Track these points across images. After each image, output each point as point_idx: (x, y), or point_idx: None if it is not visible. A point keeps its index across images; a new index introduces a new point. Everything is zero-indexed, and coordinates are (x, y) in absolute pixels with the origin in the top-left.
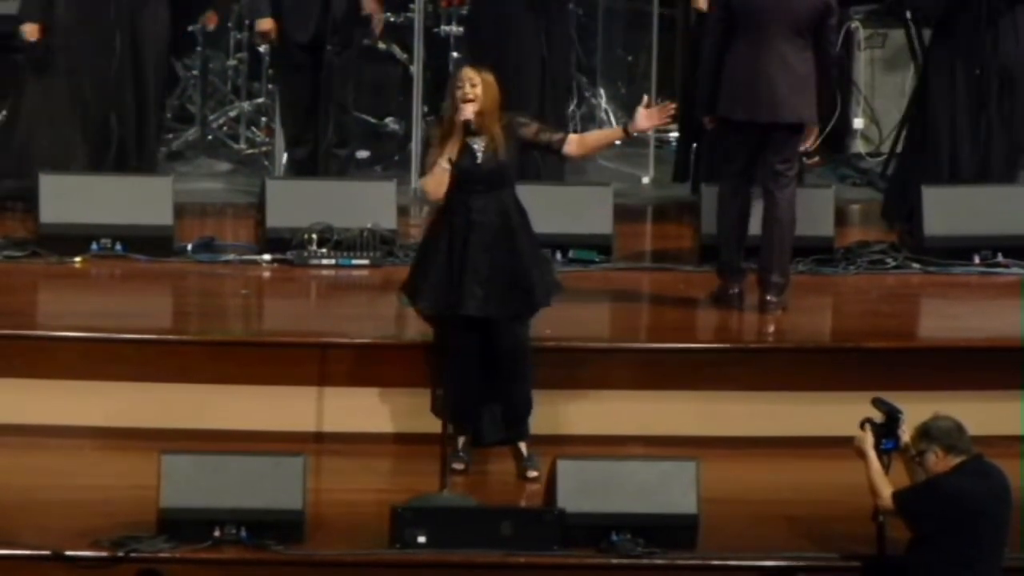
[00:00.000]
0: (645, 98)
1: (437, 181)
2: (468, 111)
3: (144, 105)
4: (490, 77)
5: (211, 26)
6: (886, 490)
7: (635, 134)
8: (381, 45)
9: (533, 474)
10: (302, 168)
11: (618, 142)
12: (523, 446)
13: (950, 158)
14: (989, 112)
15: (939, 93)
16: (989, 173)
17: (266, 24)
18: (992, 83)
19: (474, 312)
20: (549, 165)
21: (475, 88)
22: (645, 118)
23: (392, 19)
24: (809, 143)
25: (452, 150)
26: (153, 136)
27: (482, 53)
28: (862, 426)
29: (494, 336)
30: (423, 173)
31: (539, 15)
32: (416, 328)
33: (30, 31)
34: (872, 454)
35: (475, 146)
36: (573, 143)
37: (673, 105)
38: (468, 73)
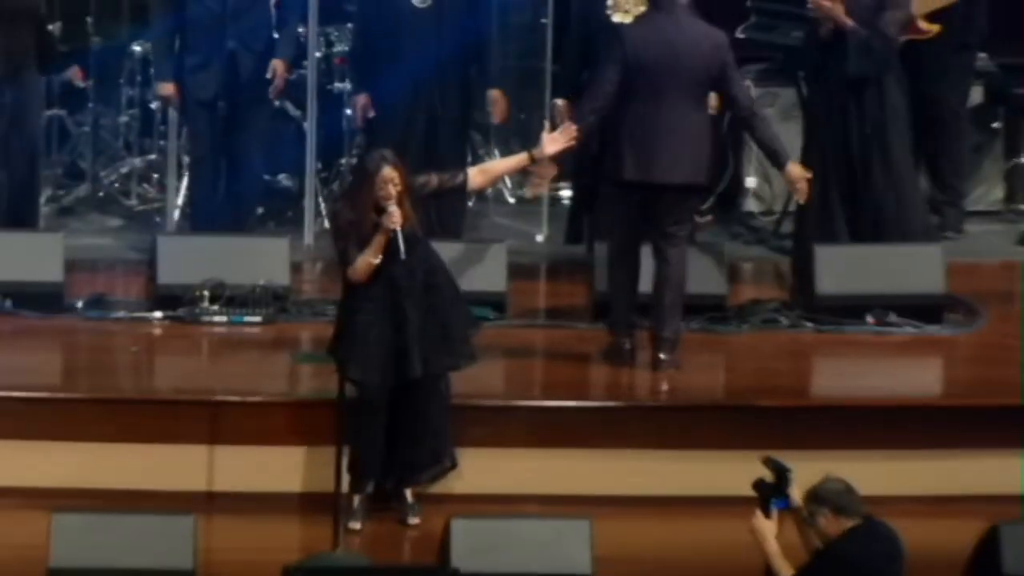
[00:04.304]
0: (547, 123)
1: (365, 273)
2: (397, 216)
3: (32, 161)
4: (397, 161)
5: (78, 80)
6: (786, 573)
7: (540, 159)
8: (275, 102)
9: (414, 521)
10: (199, 224)
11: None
12: (409, 493)
13: (845, 217)
14: (872, 171)
15: (816, 150)
16: (900, 229)
17: (167, 89)
18: (869, 141)
19: (419, 372)
20: (445, 221)
21: (397, 188)
22: (550, 142)
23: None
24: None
25: (375, 246)
26: (38, 192)
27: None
28: (754, 487)
29: (413, 391)
30: (344, 262)
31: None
32: (309, 385)
33: None
34: (771, 538)
35: (396, 234)
36: (475, 176)
37: (575, 127)
38: (389, 174)
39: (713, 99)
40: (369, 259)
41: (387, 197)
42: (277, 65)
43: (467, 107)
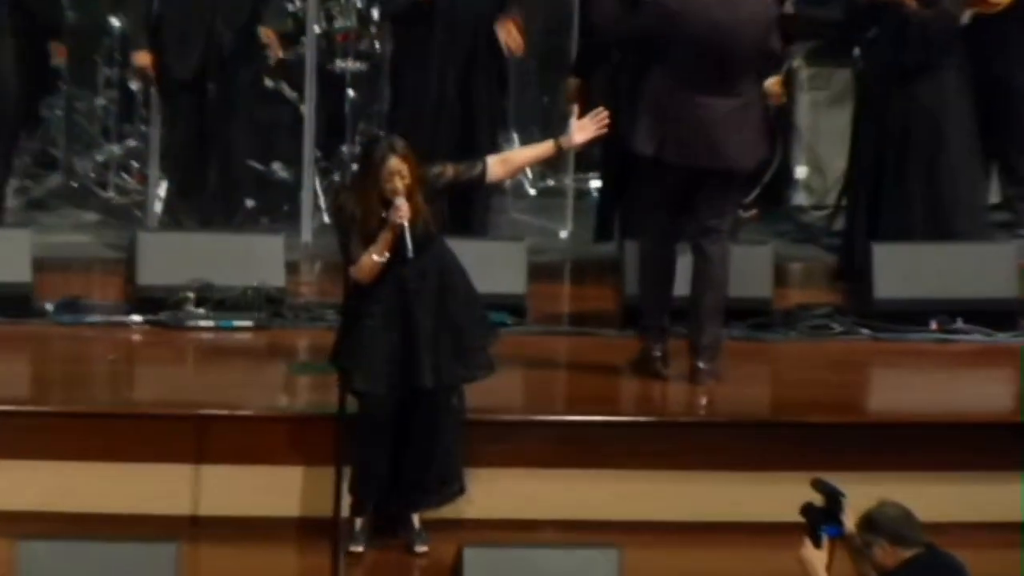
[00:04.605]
0: (575, 109)
1: (371, 273)
2: (404, 211)
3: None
4: (407, 151)
5: (60, 59)
6: None
7: (567, 148)
8: (269, 83)
9: (422, 548)
10: (181, 219)
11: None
12: (416, 518)
13: (903, 211)
14: (934, 163)
15: (868, 139)
16: (948, 229)
17: (143, 58)
18: (923, 131)
19: (432, 384)
20: (459, 216)
21: (404, 180)
22: (579, 130)
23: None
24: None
25: (382, 243)
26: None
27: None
28: (802, 512)
29: (423, 404)
30: (347, 260)
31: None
32: (306, 398)
33: None
34: (821, 569)
35: (404, 228)
36: (496, 167)
37: (606, 113)
38: (396, 165)
39: (773, 80)
40: (375, 257)
41: (394, 190)
42: (266, 32)
43: (496, 86)
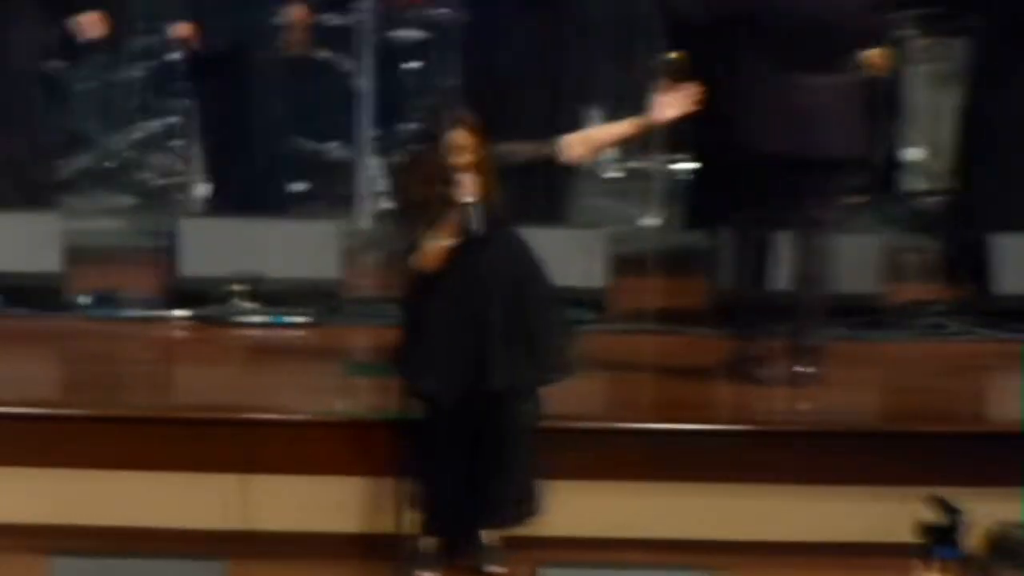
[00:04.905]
0: (664, 83)
1: (436, 259)
2: (470, 191)
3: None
4: (471, 122)
5: (93, 27)
6: None
7: (654, 126)
8: (323, 55)
9: (494, 570)
10: (225, 204)
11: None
12: (487, 536)
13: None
14: None
15: (985, 116)
16: None
17: (183, 29)
18: None
19: (505, 384)
20: (532, 202)
21: (469, 155)
22: (668, 106)
23: (333, 22)
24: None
25: (447, 226)
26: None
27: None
28: (916, 532)
29: (495, 410)
30: (408, 247)
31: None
32: (365, 402)
33: None
34: None
35: (469, 208)
36: (573, 146)
37: (699, 87)
38: (460, 139)
39: (878, 55)
40: (439, 242)
41: (459, 166)
42: (294, 10)
43: (577, 56)
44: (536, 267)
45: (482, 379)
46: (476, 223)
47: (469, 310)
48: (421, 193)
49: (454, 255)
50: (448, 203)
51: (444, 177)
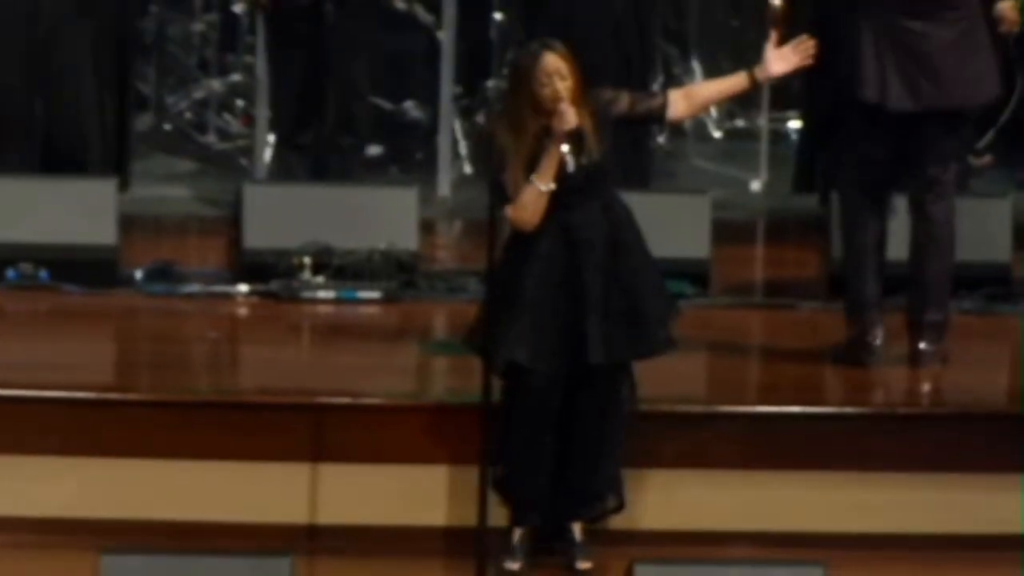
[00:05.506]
0: (773, 35)
1: (535, 209)
2: (571, 116)
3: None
4: (569, 56)
5: None
6: None
7: (763, 82)
8: (400, 5)
9: (585, 565)
10: (295, 168)
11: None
12: (577, 529)
13: None
14: None
15: None
16: None
17: None
18: None
19: (602, 359)
20: (628, 163)
21: (565, 82)
22: (778, 59)
23: None
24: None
25: (546, 167)
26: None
27: (539, 15)
28: None
29: (586, 389)
30: (501, 199)
31: None
32: (445, 384)
33: None
34: None
35: (564, 149)
36: (679, 103)
37: (812, 43)
38: (554, 63)
39: (1010, 8)
40: (539, 186)
41: (555, 95)
42: None
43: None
44: (635, 233)
45: (579, 353)
46: (575, 166)
47: (564, 275)
48: (513, 138)
49: (551, 211)
50: (544, 145)
51: (540, 112)
